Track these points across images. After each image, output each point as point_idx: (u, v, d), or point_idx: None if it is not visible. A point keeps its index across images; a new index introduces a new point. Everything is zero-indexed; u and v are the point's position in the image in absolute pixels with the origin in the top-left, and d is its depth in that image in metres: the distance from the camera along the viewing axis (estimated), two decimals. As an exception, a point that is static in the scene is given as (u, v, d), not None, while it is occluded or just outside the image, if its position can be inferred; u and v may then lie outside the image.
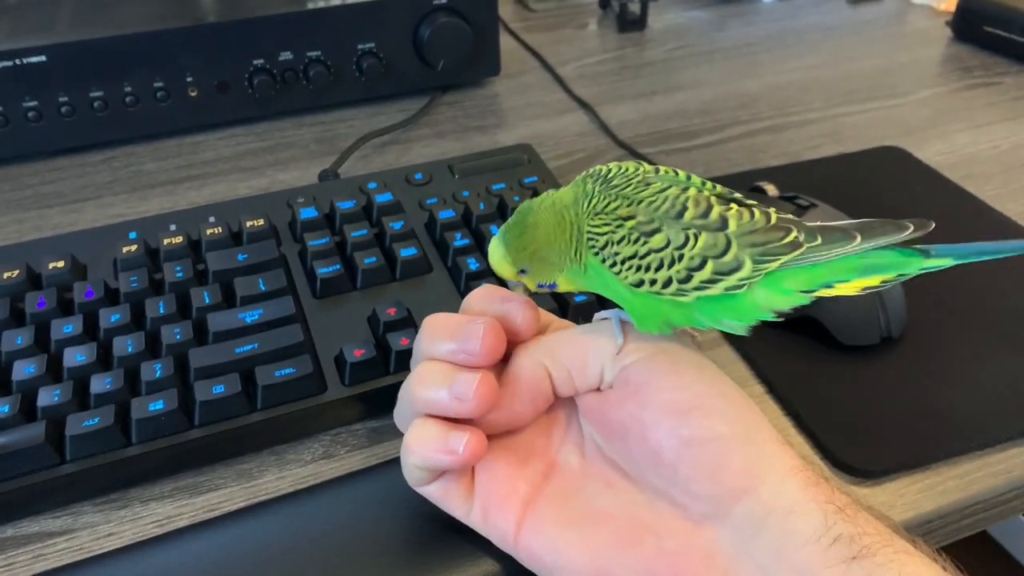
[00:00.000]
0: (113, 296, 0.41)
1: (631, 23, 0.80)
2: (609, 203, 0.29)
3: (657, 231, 0.28)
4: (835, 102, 0.67)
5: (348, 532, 0.33)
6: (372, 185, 0.49)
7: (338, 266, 0.43)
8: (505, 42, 0.75)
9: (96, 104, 0.58)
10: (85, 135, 0.60)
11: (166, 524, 0.35)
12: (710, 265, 0.28)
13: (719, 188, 0.30)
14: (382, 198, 0.47)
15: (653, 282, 0.28)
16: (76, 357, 0.37)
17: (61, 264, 0.42)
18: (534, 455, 0.32)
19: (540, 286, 0.32)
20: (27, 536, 0.35)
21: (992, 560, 1.13)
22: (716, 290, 0.28)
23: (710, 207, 0.28)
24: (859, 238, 0.28)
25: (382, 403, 0.39)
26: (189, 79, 0.60)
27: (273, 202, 0.48)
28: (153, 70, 0.59)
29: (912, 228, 0.28)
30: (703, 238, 0.28)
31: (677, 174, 0.30)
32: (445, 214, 0.46)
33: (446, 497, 0.31)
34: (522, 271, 0.31)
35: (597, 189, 0.30)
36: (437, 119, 0.66)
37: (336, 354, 0.39)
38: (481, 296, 0.33)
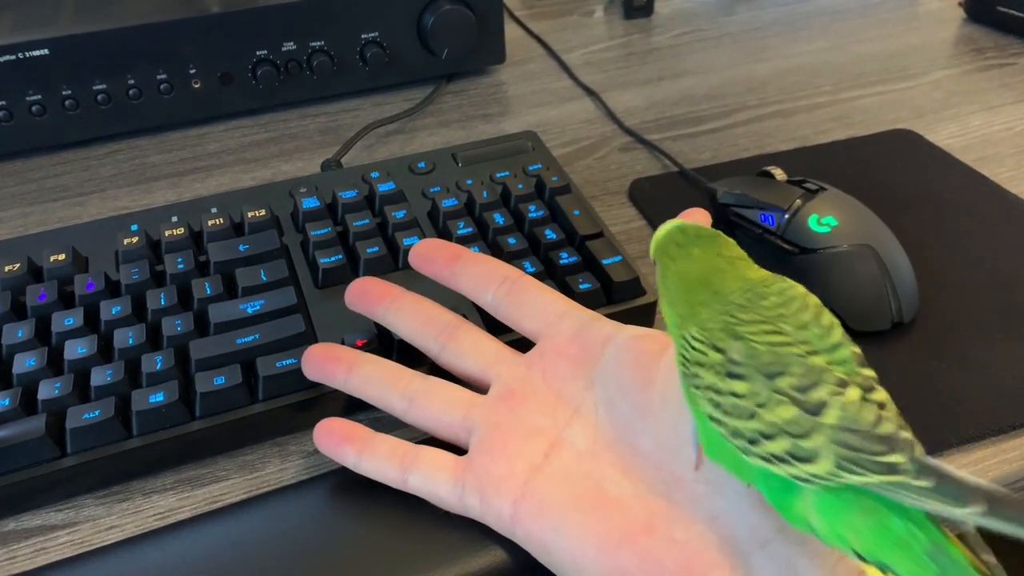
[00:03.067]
0: (114, 288, 0.41)
1: (638, 9, 0.79)
2: (728, 322, 0.26)
3: (740, 378, 0.25)
4: (845, 85, 0.66)
5: (352, 522, 0.32)
6: (374, 174, 0.49)
7: (340, 256, 0.42)
8: (510, 30, 0.74)
9: (100, 97, 0.58)
10: (89, 128, 0.60)
11: (168, 516, 0.35)
12: (784, 441, 0.24)
13: (865, 372, 0.25)
14: (384, 187, 0.46)
15: (721, 423, 0.25)
16: (77, 349, 0.37)
17: (62, 257, 0.42)
18: (537, 434, 0.32)
19: None
20: (29, 530, 0.35)
21: (1002, 549, 1.11)
22: (779, 470, 0.24)
23: (816, 384, 0.24)
24: (983, 506, 0.21)
25: (385, 393, 0.39)
26: (192, 71, 0.60)
27: (275, 192, 0.48)
28: (156, 62, 0.58)
29: None
30: (787, 410, 0.24)
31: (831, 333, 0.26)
32: (448, 202, 0.46)
33: (430, 484, 0.32)
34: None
35: (749, 298, 0.27)
36: (442, 108, 0.65)
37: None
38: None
